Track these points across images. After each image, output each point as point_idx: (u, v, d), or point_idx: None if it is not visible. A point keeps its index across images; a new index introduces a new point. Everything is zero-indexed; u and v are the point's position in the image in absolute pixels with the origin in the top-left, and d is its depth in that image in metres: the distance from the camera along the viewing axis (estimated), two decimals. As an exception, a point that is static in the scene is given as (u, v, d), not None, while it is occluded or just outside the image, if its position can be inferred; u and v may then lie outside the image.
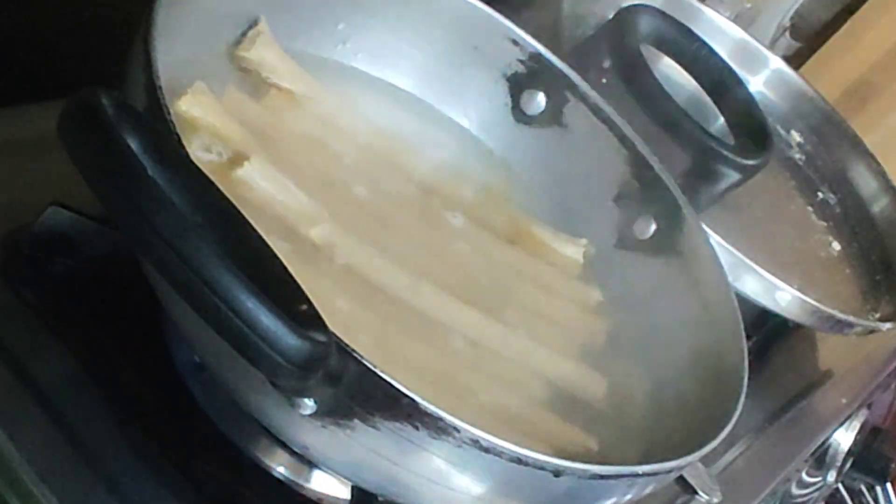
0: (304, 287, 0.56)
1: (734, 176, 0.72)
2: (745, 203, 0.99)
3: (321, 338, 0.41)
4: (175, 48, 0.59)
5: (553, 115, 0.73)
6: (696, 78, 0.77)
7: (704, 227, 0.79)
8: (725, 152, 0.72)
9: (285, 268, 0.43)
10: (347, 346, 0.44)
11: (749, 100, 0.76)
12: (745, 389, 0.61)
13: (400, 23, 0.71)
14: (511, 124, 0.74)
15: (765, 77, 1.12)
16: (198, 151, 0.58)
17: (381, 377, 0.45)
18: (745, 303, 0.83)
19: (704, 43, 0.77)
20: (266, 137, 0.62)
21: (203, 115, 0.59)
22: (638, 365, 0.68)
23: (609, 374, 0.66)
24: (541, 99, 0.73)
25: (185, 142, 0.56)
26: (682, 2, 1.05)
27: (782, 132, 1.13)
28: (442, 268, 0.64)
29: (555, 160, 0.74)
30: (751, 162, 0.72)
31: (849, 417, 0.99)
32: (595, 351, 0.67)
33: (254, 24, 0.65)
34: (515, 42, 0.72)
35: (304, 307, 0.41)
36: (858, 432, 1.00)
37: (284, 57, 0.65)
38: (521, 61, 0.73)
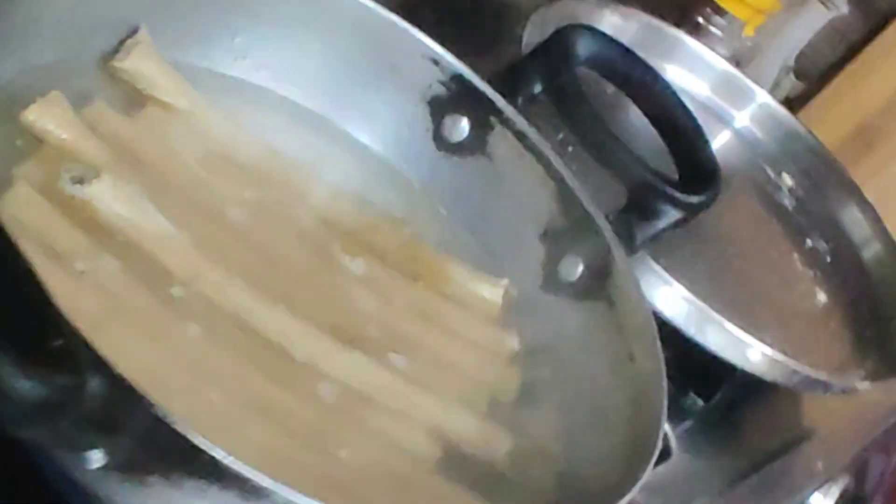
0: (151, 320, 0.51)
1: (673, 214, 0.65)
2: (721, 248, 0.93)
3: (63, 379, 0.34)
4: (32, 53, 0.54)
5: (477, 143, 0.67)
6: (639, 106, 0.70)
7: (665, 273, 0.73)
8: (664, 187, 0.65)
9: (48, 300, 0.37)
10: (125, 382, 0.38)
11: (697, 131, 0.69)
12: (658, 446, 0.55)
13: (307, 37, 0.65)
14: (431, 152, 0.68)
15: (751, 112, 1.05)
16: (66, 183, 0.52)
17: (168, 423, 0.38)
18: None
19: (651, 69, 0.70)
20: (131, 155, 0.56)
21: (55, 128, 0.53)
22: (551, 420, 0.61)
23: (517, 430, 0.59)
24: (464, 125, 0.67)
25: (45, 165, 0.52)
26: (661, 31, 0.99)
27: (772, 174, 1.06)
28: (327, 307, 0.58)
29: (478, 192, 0.68)
30: (692, 199, 0.66)
31: (826, 482, 0.92)
32: (504, 404, 0.61)
33: (134, 32, 0.59)
34: (436, 62, 0.66)
35: (59, 342, 0.35)
36: (838, 499, 0.92)
37: (165, 69, 0.60)
38: (443, 83, 0.67)
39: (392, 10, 0.79)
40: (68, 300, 0.47)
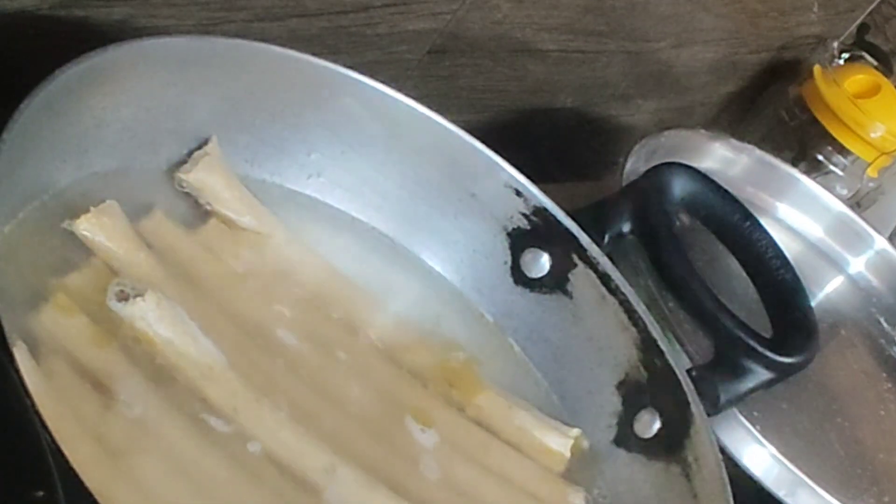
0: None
1: (763, 375, 0.60)
2: (822, 403, 0.87)
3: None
4: (93, 159, 0.52)
5: (557, 281, 0.63)
6: (734, 254, 0.66)
7: (754, 430, 0.69)
8: (754, 345, 0.60)
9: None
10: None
11: (797, 287, 0.64)
12: None
13: (385, 158, 0.62)
14: (508, 285, 0.64)
15: (867, 258, 0.99)
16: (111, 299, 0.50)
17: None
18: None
19: (750, 216, 0.66)
20: (184, 272, 0.53)
21: (106, 239, 0.51)
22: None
23: None
24: (545, 260, 0.63)
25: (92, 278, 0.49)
26: (773, 167, 0.94)
27: (885, 325, 0.99)
28: (377, 448, 0.54)
29: (554, 332, 0.64)
30: (785, 360, 0.61)
31: None
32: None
33: (205, 143, 0.57)
34: (519, 192, 0.63)
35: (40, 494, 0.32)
36: None
37: (232, 183, 0.57)
38: (525, 215, 0.63)
39: (486, 128, 0.76)
40: (94, 428, 0.45)
